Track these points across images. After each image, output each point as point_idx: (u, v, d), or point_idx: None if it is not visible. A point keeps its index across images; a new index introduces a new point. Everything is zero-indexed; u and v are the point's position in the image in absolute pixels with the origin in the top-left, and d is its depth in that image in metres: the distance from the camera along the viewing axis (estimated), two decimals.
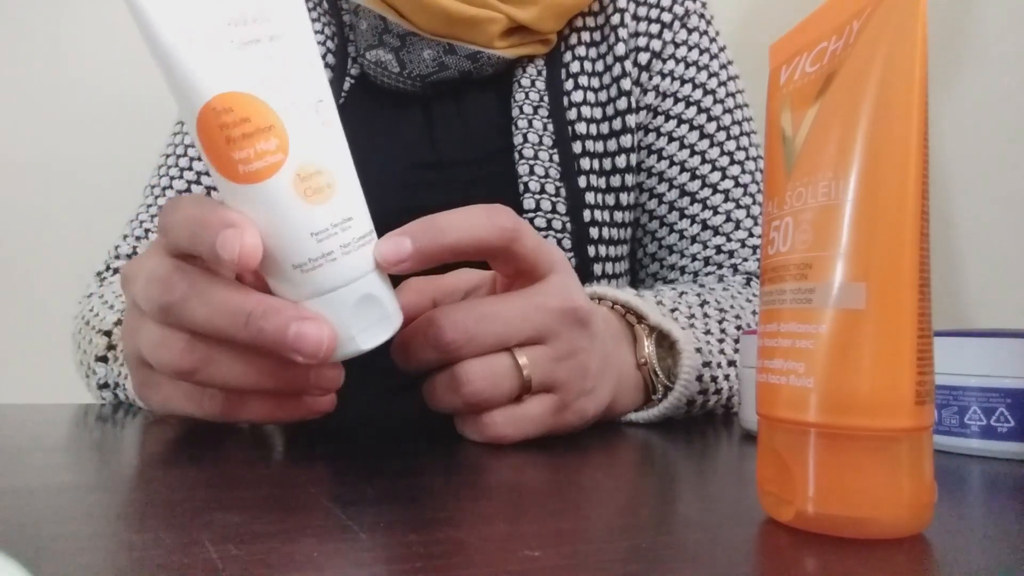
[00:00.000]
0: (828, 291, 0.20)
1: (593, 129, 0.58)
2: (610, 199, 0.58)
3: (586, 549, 0.18)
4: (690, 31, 0.61)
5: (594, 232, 0.56)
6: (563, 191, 0.55)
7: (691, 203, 0.59)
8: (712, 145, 0.60)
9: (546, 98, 0.58)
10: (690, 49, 0.61)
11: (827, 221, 0.20)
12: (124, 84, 0.89)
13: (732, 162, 0.59)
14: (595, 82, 0.60)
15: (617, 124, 0.59)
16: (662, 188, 0.60)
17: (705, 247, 0.59)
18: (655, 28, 0.61)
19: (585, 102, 0.58)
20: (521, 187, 0.55)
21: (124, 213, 0.64)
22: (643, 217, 0.62)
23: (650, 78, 0.60)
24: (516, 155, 0.56)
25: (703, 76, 0.61)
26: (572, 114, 0.58)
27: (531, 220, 0.54)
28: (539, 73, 0.59)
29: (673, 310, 0.45)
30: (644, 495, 0.25)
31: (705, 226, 0.59)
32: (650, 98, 0.60)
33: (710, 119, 0.60)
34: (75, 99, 0.90)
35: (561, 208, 0.55)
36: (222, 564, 0.17)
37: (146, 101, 0.87)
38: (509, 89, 0.59)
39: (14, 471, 0.27)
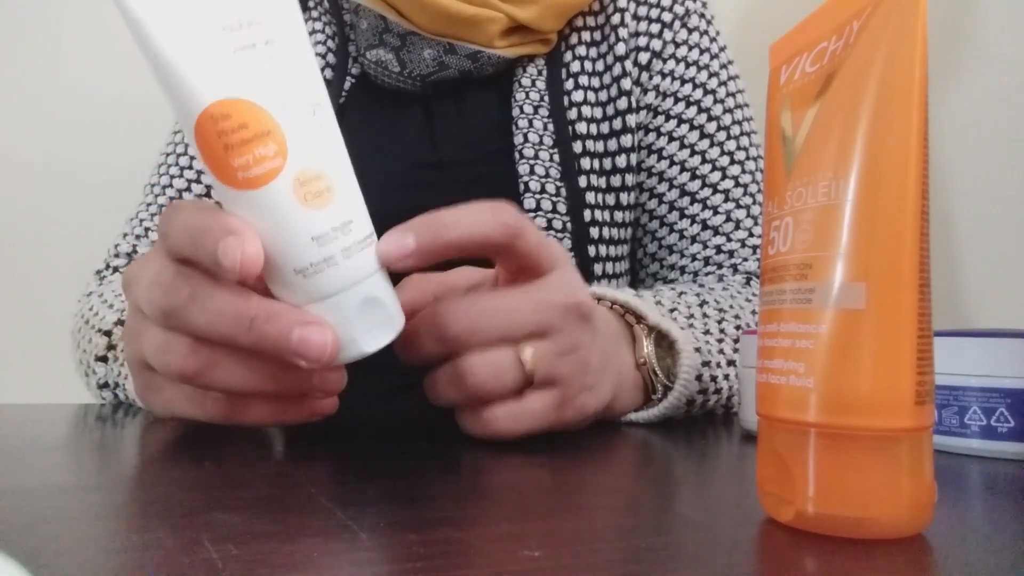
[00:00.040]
0: (828, 291, 0.20)
1: (593, 129, 0.58)
2: (610, 199, 0.58)
3: (586, 549, 0.18)
4: (690, 31, 0.61)
5: (594, 232, 0.56)
6: (563, 191, 0.55)
7: (691, 203, 0.59)
8: (712, 145, 0.60)
9: (546, 98, 0.58)
10: (690, 49, 0.61)
11: (827, 221, 0.20)
12: (124, 84, 0.89)
13: (732, 162, 0.59)
14: (595, 82, 0.60)
15: (617, 124, 0.59)
16: (662, 188, 0.60)
17: (705, 247, 0.59)
18: (655, 28, 0.61)
19: (585, 102, 0.58)
20: (521, 187, 0.55)
21: (124, 213, 0.64)
22: (643, 217, 0.62)
23: (650, 78, 0.60)
24: (516, 155, 0.56)
25: (703, 76, 0.61)
26: (572, 114, 0.58)
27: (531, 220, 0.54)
28: (539, 73, 0.59)
29: (672, 310, 0.45)
30: (644, 495, 0.25)
31: (705, 226, 0.59)
32: (650, 98, 0.60)
33: (710, 119, 0.60)
34: (75, 99, 0.90)
35: (561, 208, 0.55)
36: (222, 564, 0.17)
37: (146, 101, 0.87)
38: (509, 89, 0.59)
39: (14, 471, 0.27)
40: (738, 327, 0.47)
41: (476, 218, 0.31)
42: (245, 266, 0.27)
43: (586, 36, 0.61)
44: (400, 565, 0.17)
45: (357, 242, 0.29)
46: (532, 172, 0.55)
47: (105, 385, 0.48)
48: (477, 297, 0.33)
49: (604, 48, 0.60)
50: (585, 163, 0.57)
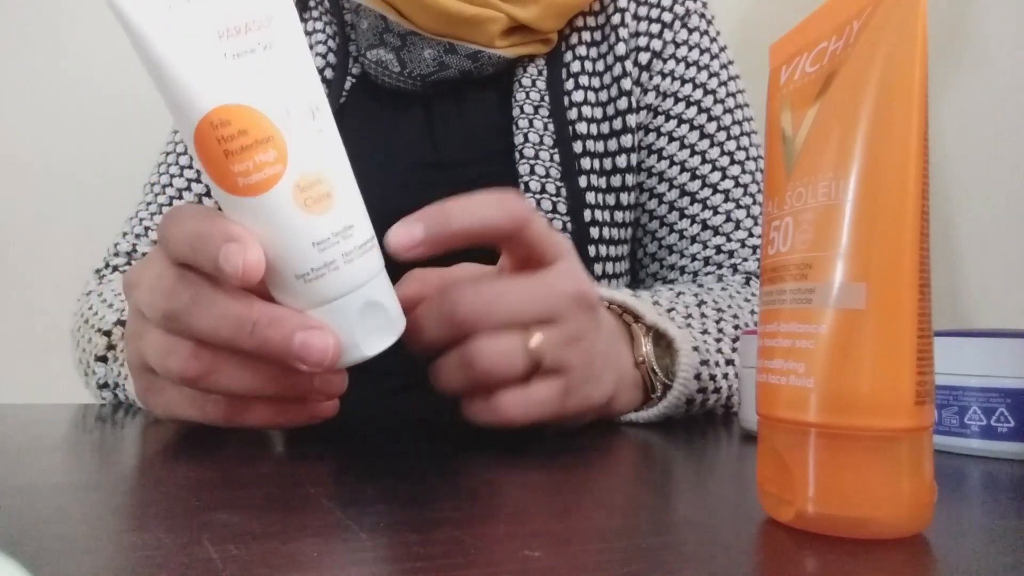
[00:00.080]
0: (828, 291, 0.20)
1: (594, 129, 0.58)
2: (610, 199, 0.58)
3: (586, 549, 0.18)
4: (691, 31, 0.61)
5: (594, 232, 0.56)
6: (564, 191, 0.55)
7: (691, 203, 0.59)
8: (712, 145, 0.60)
9: (547, 98, 0.58)
10: (691, 49, 0.61)
11: (827, 221, 0.20)
12: (124, 84, 0.89)
13: (732, 162, 0.59)
14: (596, 82, 0.60)
15: (618, 124, 0.59)
16: (662, 188, 0.60)
17: (705, 247, 0.59)
18: (656, 28, 0.61)
19: (586, 102, 0.58)
20: (522, 187, 0.55)
21: (124, 212, 0.64)
22: (643, 217, 0.62)
23: (651, 78, 0.60)
24: (517, 155, 0.56)
25: (703, 76, 0.61)
26: (573, 114, 0.58)
27: None
28: (540, 73, 0.59)
29: (670, 310, 0.45)
30: (644, 495, 0.25)
31: (705, 226, 0.59)
32: (650, 98, 0.60)
33: (710, 119, 0.60)
34: (75, 99, 0.90)
35: (562, 208, 0.55)
36: (222, 564, 0.17)
37: (146, 101, 0.87)
38: (510, 89, 0.59)
39: (14, 471, 0.27)
40: (736, 327, 0.47)
41: (484, 207, 0.31)
42: (247, 273, 0.27)
43: (586, 36, 0.61)
44: (400, 565, 0.17)
45: (358, 246, 0.29)
46: (532, 172, 0.55)
47: (105, 385, 0.48)
48: (487, 282, 0.33)
49: (604, 48, 0.60)
50: (585, 163, 0.57)
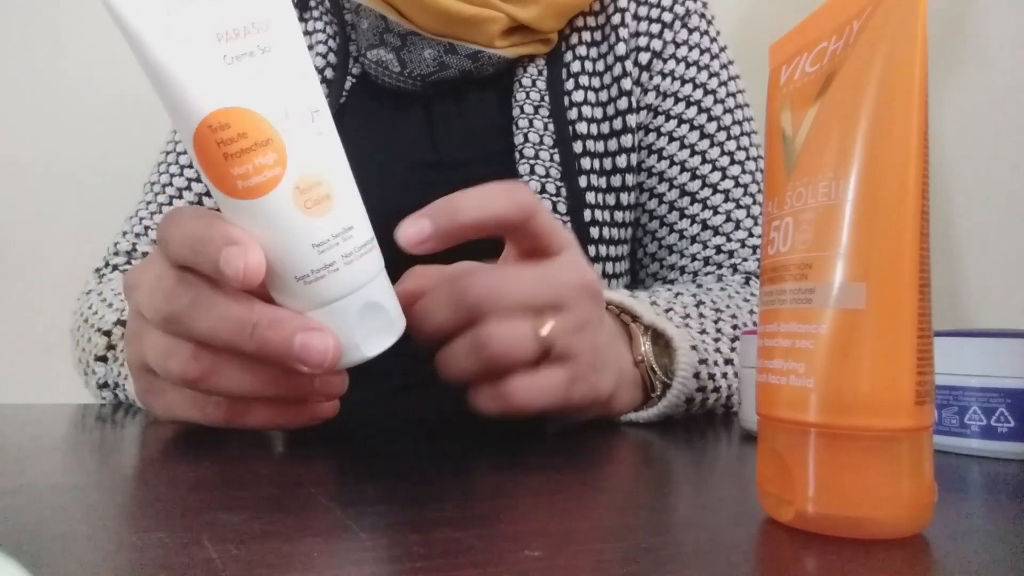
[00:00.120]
0: (828, 291, 0.20)
1: (594, 129, 0.58)
2: (610, 199, 0.58)
3: (586, 549, 0.18)
4: (691, 31, 0.61)
5: (594, 232, 0.56)
6: (563, 191, 0.55)
7: (691, 203, 0.59)
8: (712, 145, 0.60)
9: (547, 98, 0.58)
10: (691, 49, 0.61)
11: (827, 221, 0.20)
12: (124, 84, 0.89)
13: (732, 162, 0.59)
14: (596, 82, 0.60)
15: (618, 124, 0.59)
16: (662, 188, 0.60)
17: (705, 247, 0.59)
18: (656, 28, 0.61)
19: (586, 102, 0.58)
20: None
21: (124, 212, 0.64)
22: (643, 217, 0.62)
23: (651, 78, 0.60)
24: (517, 155, 0.56)
25: (704, 76, 0.61)
26: (573, 114, 0.58)
27: None
28: (540, 73, 0.59)
29: (668, 310, 0.45)
30: (644, 495, 0.25)
31: (705, 226, 0.59)
32: (651, 98, 0.60)
33: (710, 119, 0.60)
34: (75, 99, 0.90)
35: (561, 208, 0.55)
36: (222, 564, 0.17)
37: (146, 101, 0.87)
38: (510, 89, 0.59)
39: (14, 471, 0.27)
40: (735, 326, 0.47)
41: (490, 198, 0.32)
42: (248, 275, 0.27)
43: (586, 36, 0.61)
44: (400, 565, 0.17)
45: (357, 248, 0.29)
46: (532, 172, 0.55)
47: (105, 385, 0.48)
48: (495, 268, 0.33)
49: (604, 48, 0.60)
50: (585, 163, 0.57)
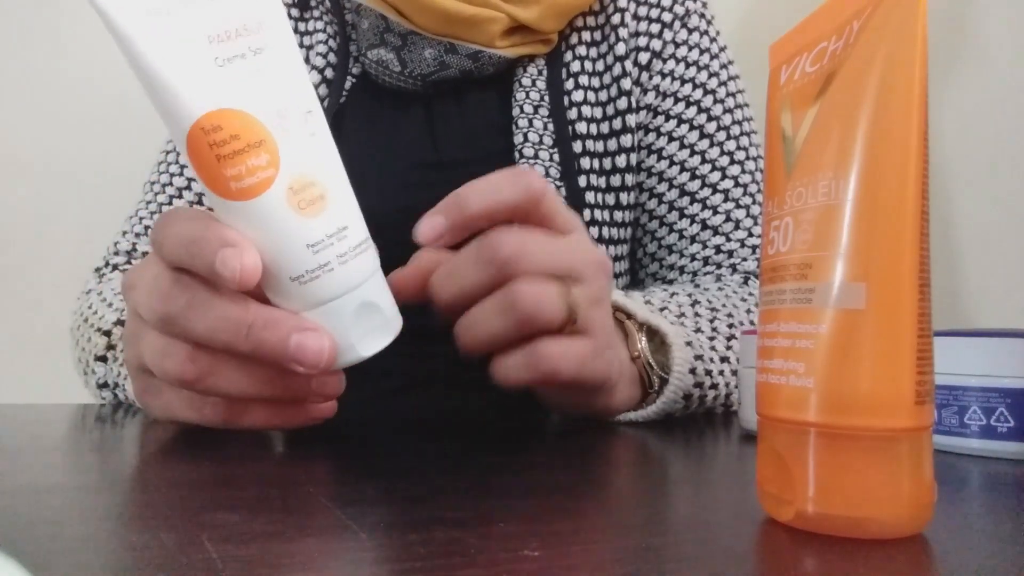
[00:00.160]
0: (828, 291, 0.20)
1: (593, 129, 0.58)
2: (610, 199, 0.58)
3: (586, 549, 0.18)
4: (690, 31, 0.61)
5: (594, 232, 0.56)
6: (563, 191, 0.55)
7: (691, 203, 0.59)
8: (712, 145, 0.60)
9: (547, 98, 0.58)
10: (690, 49, 0.61)
11: (827, 221, 0.20)
12: (124, 84, 0.89)
13: (732, 162, 0.59)
14: (595, 82, 0.60)
15: (617, 124, 0.59)
16: (662, 188, 0.60)
17: (704, 247, 0.59)
18: (655, 28, 0.61)
19: (586, 102, 0.58)
20: None
21: (124, 212, 0.64)
22: (643, 217, 0.62)
23: (650, 78, 0.60)
24: (516, 154, 0.56)
25: (703, 76, 0.61)
26: (572, 114, 0.58)
27: None
28: (540, 73, 0.59)
29: (662, 309, 0.45)
30: (644, 495, 0.25)
31: (705, 226, 0.59)
32: (650, 98, 0.60)
33: (710, 119, 0.60)
34: (75, 99, 0.90)
35: None
36: (222, 564, 0.17)
37: (146, 101, 0.87)
38: (510, 89, 0.59)
39: (14, 471, 0.27)
40: (731, 325, 0.47)
41: (498, 187, 0.32)
42: (244, 277, 0.27)
43: (586, 36, 0.61)
44: (400, 565, 0.17)
45: (352, 248, 0.29)
46: (526, 165, 0.55)
47: (105, 385, 0.48)
48: (521, 228, 0.33)
49: (604, 48, 0.60)
50: (585, 163, 0.57)
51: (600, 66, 0.60)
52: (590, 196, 0.56)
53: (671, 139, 0.60)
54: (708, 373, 0.42)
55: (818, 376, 0.20)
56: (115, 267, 0.60)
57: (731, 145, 0.60)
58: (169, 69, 0.26)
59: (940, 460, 0.31)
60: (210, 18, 0.27)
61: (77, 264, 0.70)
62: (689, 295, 0.48)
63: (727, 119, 0.60)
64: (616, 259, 0.59)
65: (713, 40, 0.62)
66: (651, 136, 0.60)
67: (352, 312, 0.29)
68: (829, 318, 0.20)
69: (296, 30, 0.62)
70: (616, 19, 0.60)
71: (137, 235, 0.61)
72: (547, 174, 0.55)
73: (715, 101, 0.60)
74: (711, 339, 0.44)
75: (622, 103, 0.59)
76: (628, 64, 0.59)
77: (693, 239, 0.59)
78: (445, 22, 0.55)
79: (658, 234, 0.61)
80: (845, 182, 0.20)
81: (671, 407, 0.41)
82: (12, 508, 0.22)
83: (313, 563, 0.17)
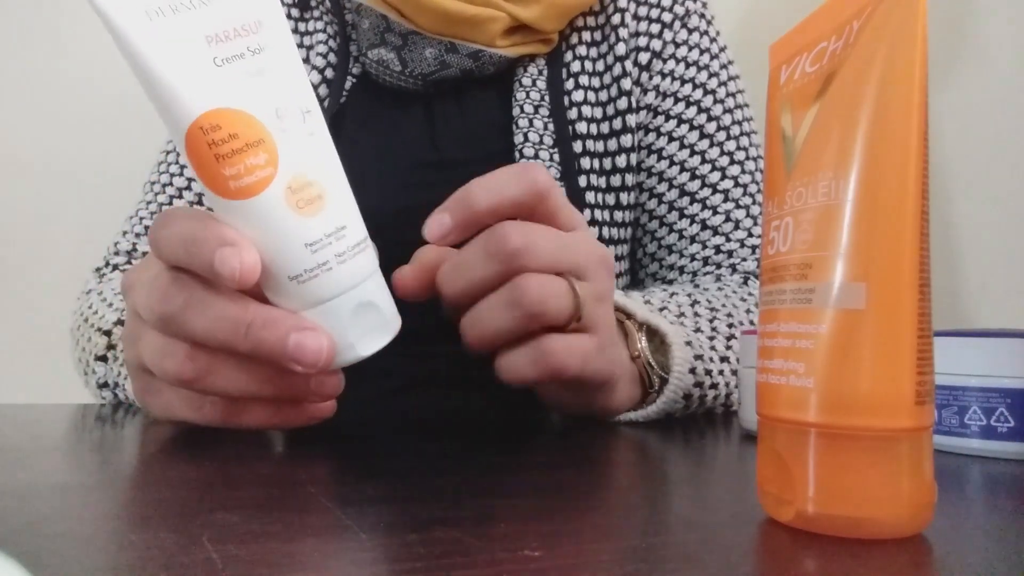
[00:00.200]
0: (828, 291, 0.20)
1: (593, 129, 0.58)
2: (610, 199, 0.58)
3: (586, 549, 0.18)
4: (691, 31, 0.61)
5: (594, 231, 0.56)
6: (563, 190, 0.55)
7: (691, 203, 0.59)
8: (712, 145, 0.60)
9: (547, 97, 0.58)
10: (690, 49, 0.61)
11: (827, 221, 0.20)
12: (124, 84, 0.89)
13: (732, 162, 0.59)
14: (596, 82, 0.60)
15: (617, 124, 0.59)
16: (662, 188, 0.60)
17: (704, 247, 0.59)
18: (655, 28, 0.61)
19: (586, 102, 0.58)
20: None
21: (124, 212, 0.64)
22: (643, 217, 0.62)
23: (650, 78, 0.60)
24: (517, 154, 0.56)
25: (703, 76, 0.61)
26: (573, 113, 0.58)
27: None
28: (540, 72, 0.59)
29: (662, 309, 0.45)
30: (644, 495, 0.25)
31: (704, 226, 0.59)
32: (650, 98, 0.60)
33: (710, 119, 0.60)
34: (75, 99, 0.90)
35: None
36: (222, 564, 0.17)
37: (146, 101, 0.87)
38: (510, 88, 0.59)
39: (14, 471, 0.27)
40: (731, 325, 0.47)
41: (503, 184, 0.32)
42: (243, 275, 0.27)
43: (587, 36, 0.61)
44: (400, 565, 0.17)
45: (351, 247, 0.29)
46: (530, 161, 0.55)
47: (105, 385, 0.48)
48: (528, 224, 0.33)
49: (604, 48, 0.60)
50: (585, 163, 0.57)
51: (600, 66, 0.60)
52: (590, 196, 0.56)
53: (671, 139, 0.60)
54: (708, 373, 0.42)
55: (818, 376, 0.20)
56: (115, 267, 0.60)
57: (731, 145, 0.60)
58: (168, 69, 0.26)
59: (940, 460, 0.31)
60: (209, 18, 0.27)
61: (77, 264, 0.70)
62: (689, 295, 0.48)
63: (727, 119, 0.60)
64: (616, 259, 0.59)
65: (713, 40, 0.62)
66: (651, 136, 0.60)
67: (351, 311, 0.29)
68: (829, 318, 0.20)
69: (296, 30, 0.62)
70: (616, 19, 0.60)
71: (137, 235, 0.61)
72: None
73: (715, 101, 0.60)
74: (711, 339, 0.44)
75: (622, 103, 0.59)
76: (628, 64, 0.59)
77: (693, 239, 0.59)
78: (446, 22, 0.55)
79: (658, 234, 0.61)
80: (845, 182, 0.20)
81: (671, 407, 0.41)
82: (12, 508, 0.22)
83: (313, 563, 0.17)
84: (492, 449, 0.33)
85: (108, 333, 0.48)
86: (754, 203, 0.60)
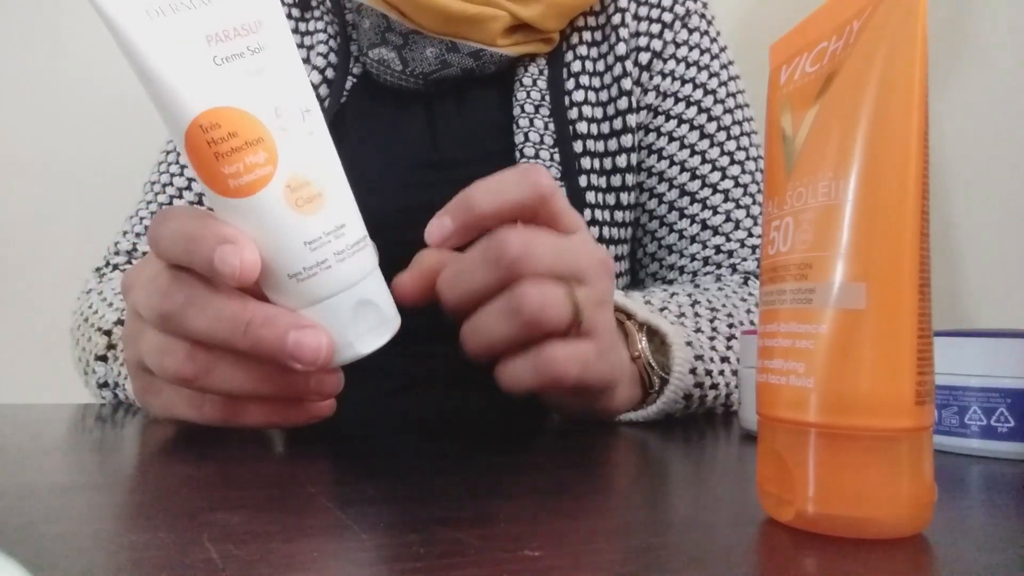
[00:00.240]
0: (828, 291, 0.20)
1: (594, 128, 0.58)
2: (610, 199, 0.58)
3: (586, 549, 0.18)
4: (691, 31, 0.61)
5: (594, 232, 0.56)
6: (564, 190, 0.55)
7: (691, 203, 0.59)
8: (712, 145, 0.60)
9: (547, 97, 0.58)
10: (691, 49, 0.61)
11: (827, 221, 0.20)
12: (124, 84, 0.89)
13: (732, 162, 0.60)
14: (596, 81, 0.60)
15: (618, 124, 0.59)
16: (662, 188, 0.60)
17: (704, 247, 0.59)
18: (656, 28, 0.61)
19: (586, 101, 0.58)
20: None
21: (124, 212, 0.64)
22: (643, 217, 0.62)
23: (651, 78, 0.60)
24: (517, 154, 0.56)
25: (703, 76, 0.61)
26: (573, 113, 0.58)
27: None
28: (541, 72, 0.59)
29: (662, 309, 0.45)
30: (644, 495, 0.25)
31: (705, 226, 0.59)
32: (651, 98, 0.60)
33: (710, 119, 0.60)
34: (75, 99, 0.90)
35: None
36: (222, 564, 0.17)
37: (146, 101, 0.87)
38: (511, 88, 0.59)
39: (14, 471, 0.27)
40: (731, 325, 0.47)
41: (506, 187, 0.32)
42: (243, 273, 0.27)
43: (587, 36, 0.61)
44: (400, 565, 0.17)
45: (350, 246, 0.29)
46: (532, 163, 0.55)
47: (105, 384, 0.48)
48: (527, 228, 0.33)
49: (605, 48, 0.60)
50: (585, 163, 0.57)
51: (601, 66, 0.60)
52: (590, 196, 0.56)
53: (671, 139, 0.60)
54: (708, 373, 0.42)
55: (818, 376, 0.20)
56: (115, 267, 0.60)
57: (731, 145, 0.60)
58: (168, 68, 0.26)
59: (940, 460, 0.31)
60: (209, 18, 0.27)
61: (77, 264, 0.70)
62: (689, 295, 0.48)
63: (727, 119, 0.60)
64: (616, 259, 0.59)
65: (713, 40, 0.62)
66: (651, 136, 0.60)
67: (350, 309, 0.29)
68: (829, 318, 0.20)
69: (297, 30, 0.62)
70: (617, 19, 0.60)
71: (137, 235, 0.61)
72: None
73: (715, 101, 0.60)
74: (711, 339, 0.44)
75: (623, 103, 0.59)
76: (629, 64, 0.59)
77: (693, 239, 0.59)
78: (447, 21, 0.55)
79: (658, 234, 0.61)
80: (845, 182, 0.20)
81: (671, 407, 0.41)
82: (12, 508, 0.22)
83: (313, 563, 0.17)
84: (492, 449, 0.33)
85: (108, 333, 0.48)
86: (754, 203, 0.60)
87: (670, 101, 0.60)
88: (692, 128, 0.60)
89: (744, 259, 0.58)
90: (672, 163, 0.59)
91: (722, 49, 0.63)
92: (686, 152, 0.59)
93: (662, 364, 0.41)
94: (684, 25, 0.61)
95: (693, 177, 0.59)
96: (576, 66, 0.59)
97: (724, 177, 0.59)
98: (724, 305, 0.48)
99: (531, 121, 0.57)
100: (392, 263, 0.34)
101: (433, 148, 0.58)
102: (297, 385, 0.32)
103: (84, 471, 0.28)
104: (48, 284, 0.88)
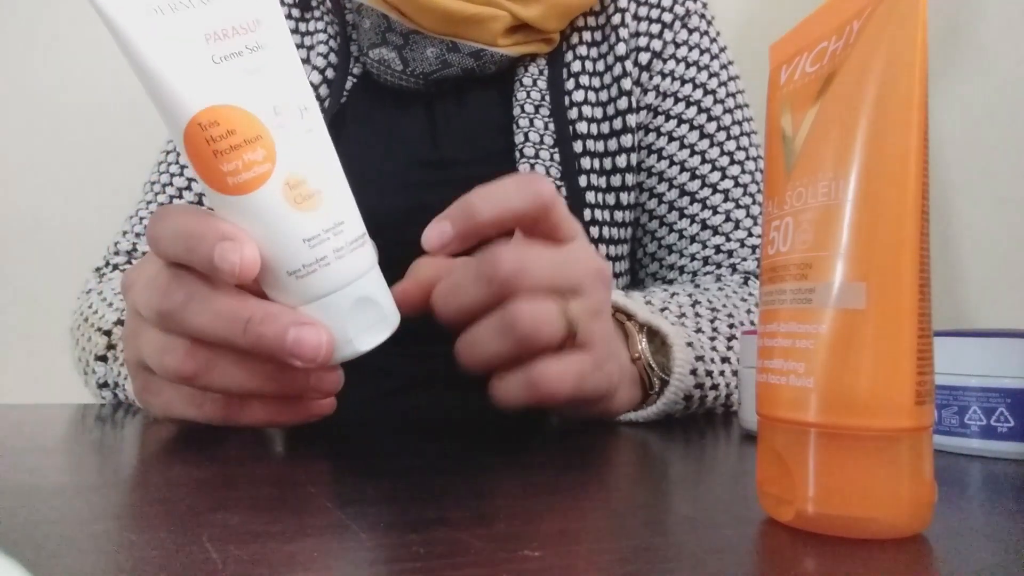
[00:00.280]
0: (828, 291, 0.20)
1: (594, 128, 0.58)
2: (610, 199, 0.58)
3: (586, 549, 0.18)
4: (691, 31, 0.61)
5: (594, 231, 0.56)
6: (564, 190, 0.55)
7: (691, 203, 0.59)
8: (712, 145, 0.60)
9: (547, 97, 0.58)
10: (691, 49, 0.61)
11: (827, 221, 0.20)
12: (125, 83, 0.89)
13: (732, 162, 0.60)
14: (596, 82, 0.60)
15: (618, 124, 0.59)
16: (662, 188, 0.60)
17: (704, 247, 0.59)
18: (656, 28, 0.61)
19: (586, 101, 0.58)
20: None
21: (123, 212, 0.64)
22: (643, 217, 0.62)
23: (651, 78, 0.60)
24: (517, 154, 0.56)
25: (703, 76, 0.61)
26: (573, 113, 0.58)
27: None
28: (541, 72, 0.59)
29: (663, 309, 0.45)
30: (644, 495, 0.25)
31: (705, 226, 0.59)
32: (650, 98, 0.60)
33: (710, 119, 0.60)
34: (75, 99, 0.90)
35: None
36: (222, 564, 0.17)
37: (146, 101, 0.87)
38: (511, 88, 0.59)
39: (14, 471, 0.27)
40: (731, 325, 0.47)
41: (507, 195, 0.32)
42: (243, 270, 0.27)
43: (587, 36, 0.61)
44: (400, 565, 0.17)
45: (349, 243, 0.29)
46: (532, 171, 0.55)
47: (105, 384, 0.48)
48: (519, 245, 0.33)
49: (605, 48, 0.60)
50: (585, 163, 0.57)
51: (601, 66, 0.60)
52: (590, 196, 0.56)
53: (671, 139, 0.60)
54: (709, 374, 0.42)
55: (818, 376, 0.20)
56: (115, 267, 0.60)
57: (731, 145, 0.60)
58: (167, 67, 0.27)
59: (940, 460, 0.31)
60: (208, 17, 0.27)
61: (77, 264, 0.70)
62: (689, 295, 0.48)
63: (727, 119, 0.60)
64: (616, 259, 0.59)
65: (713, 40, 0.62)
66: (651, 136, 0.60)
67: (349, 307, 0.29)
68: (829, 318, 0.20)
69: (297, 30, 0.62)
70: (616, 19, 0.60)
71: (137, 235, 0.61)
72: (548, 174, 0.55)
73: (715, 101, 0.60)
74: (712, 339, 0.44)
75: (622, 103, 0.59)
76: (628, 64, 0.59)
77: (693, 239, 0.59)
78: (447, 21, 0.55)
79: (658, 234, 0.61)
80: (845, 182, 0.20)
81: (671, 408, 0.41)
82: (12, 508, 0.22)
83: (313, 563, 0.17)
84: (492, 449, 0.33)
85: (108, 333, 0.48)
86: (754, 203, 0.60)
87: (670, 101, 0.60)
88: (692, 128, 0.60)
89: (744, 259, 0.58)
90: (672, 163, 0.59)
91: (722, 49, 0.63)
92: (686, 152, 0.59)
93: (662, 365, 0.41)
94: (684, 25, 0.61)
95: (693, 177, 0.59)
96: (576, 66, 0.59)
97: (724, 177, 0.59)
98: (724, 305, 0.48)
99: (531, 121, 0.57)
100: (392, 262, 0.34)
101: (433, 148, 0.58)
102: (297, 383, 0.32)
103: (84, 471, 0.28)
104: (48, 284, 0.88)
